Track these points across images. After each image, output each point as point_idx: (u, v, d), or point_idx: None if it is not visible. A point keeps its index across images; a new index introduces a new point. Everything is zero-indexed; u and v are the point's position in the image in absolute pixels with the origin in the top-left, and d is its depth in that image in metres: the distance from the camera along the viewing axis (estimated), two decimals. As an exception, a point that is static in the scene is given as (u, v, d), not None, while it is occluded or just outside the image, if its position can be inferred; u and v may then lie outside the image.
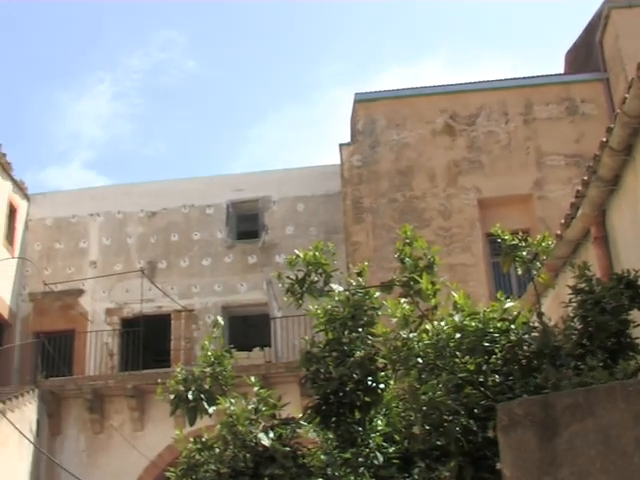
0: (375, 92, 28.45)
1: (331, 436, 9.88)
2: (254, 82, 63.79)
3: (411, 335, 9.23)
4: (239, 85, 64.32)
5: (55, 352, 27.34)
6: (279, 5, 59.68)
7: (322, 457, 9.62)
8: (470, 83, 27.96)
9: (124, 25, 62.45)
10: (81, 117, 65.16)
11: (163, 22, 63.53)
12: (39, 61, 61.34)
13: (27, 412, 24.07)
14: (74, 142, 65.41)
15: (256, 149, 66.19)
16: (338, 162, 28.35)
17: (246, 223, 30.68)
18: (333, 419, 9.78)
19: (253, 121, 66.79)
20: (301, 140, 67.28)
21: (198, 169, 68.38)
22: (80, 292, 30.23)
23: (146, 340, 28.14)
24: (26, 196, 32.13)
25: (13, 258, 30.24)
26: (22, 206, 31.72)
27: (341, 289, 10.11)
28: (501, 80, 28.02)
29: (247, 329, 27.81)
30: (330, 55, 65.91)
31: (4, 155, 30.14)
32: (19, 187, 31.50)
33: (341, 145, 27.94)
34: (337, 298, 10.04)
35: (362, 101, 28.02)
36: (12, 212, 30.77)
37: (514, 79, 27.97)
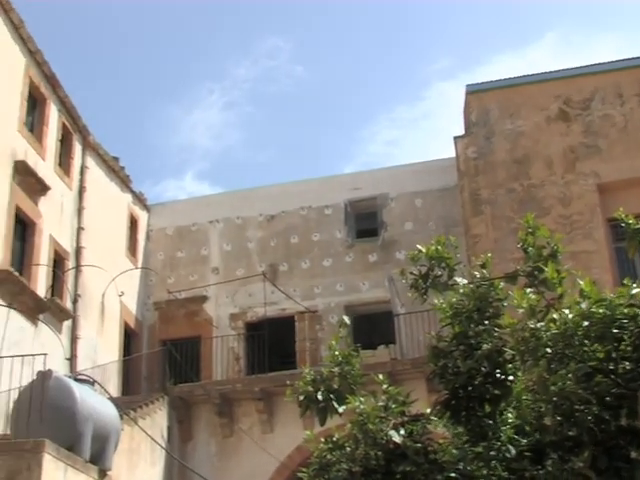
0: (487, 82, 28.12)
1: (461, 430, 9.81)
2: (361, 83, 63.86)
3: (538, 325, 9.10)
4: (347, 87, 64.45)
5: (182, 359, 27.71)
6: (382, 6, 59.59)
7: (453, 452, 9.55)
8: (582, 67, 27.39)
9: (230, 35, 63.18)
10: (193, 129, 66.12)
11: (268, 30, 64.09)
12: (152, 77, 62.46)
13: (158, 419, 24.44)
14: (187, 154, 66.43)
15: (368, 149, 66.26)
16: (453, 155, 28.14)
17: (365, 221, 30.67)
18: (463, 413, 9.72)
19: (363, 122, 66.87)
20: (412, 137, 67.11)
21: (310, 174, 68.57)
22: (204, 299, 30.63)
23: (271, 343, 28.33)
24: (146, 207, 32.70)
25: (137, 268, 30.80)
26: (142, 217, 32.30)
27: (465, 282, 10.02)
28: (614, 62, 27.36)
29: (370, 327, 27.76)
30: (436, 51, 65.61)
31: (123, 168, 30.72)
32: (139, 199, 32.08)
33: (455, 138, 27.71)
34: (462, 291, 9.96)
35: (474, 92, 27.74)
36: (133, 223, 31.35)
37: (628, 59, 27.26)
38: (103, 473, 15.27)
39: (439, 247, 10.03)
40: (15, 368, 17.49)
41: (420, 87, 66.03)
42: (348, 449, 9.86)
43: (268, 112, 64.85)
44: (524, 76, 27.90)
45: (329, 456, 9.93)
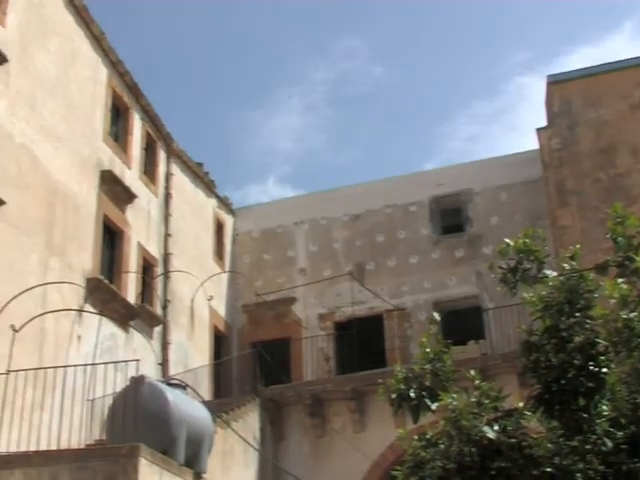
0: (568, 72, 27.81)
1: (556, 424, 9.70)
2: (439, 81, 63.52)
3: (631, 315, 8.97)
4: (425, 85, 64.18)
5: (272, 360, 27.83)
6: (458, 1, 59.13)
7: (548, 446, 9.45)
8: (664, 53, 26.99)
9: (307, 39, 63.38)
10: (275, 133, 66.45)
11: (345, 31, 64.10)
12: (232, 83, 62.92)
13: (250, 421, 24.58)
14: (269, 158, 66.79)
15: (449, 146, 65.93)
16: (536, 147, 27.87)
17: (450, 217, 30.52)
18: (557, 407, 9.60)
19: (442, 119, 66.54)
20: (492, 132, 66.59)
21: (392, 174, 68.18)
22: (292, 300, 30.76)
23: (360, 342, 28.35)
24: (231, 211, 32.95)
25: (224, 272, 31.03)
26: (228, 221, 32.55)
27: (555, 274, 9.90)
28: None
29: (459, 323, 27.57)
30: (514, 45, 64.96)
31: (207, 174, 30.99)
32: (224, 203, 32.33)
33: (538, 130, 27.44)
34: (551, 284, 9.85)
35: (555, 83, 27.45)
36: (219, 228, 31.60)
37: None
38: (198, 476, 15.39)
39: (527, 240, 9.94)
40: (108, 375, 17.74)
41: (498, 81, 65.48)
42: (442, 446, 9.81)
43: (348, 113, 64.92)
44: (605, 64, 27.53)
45: (423, 454, 9.89)
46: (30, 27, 20.66)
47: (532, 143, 27.65)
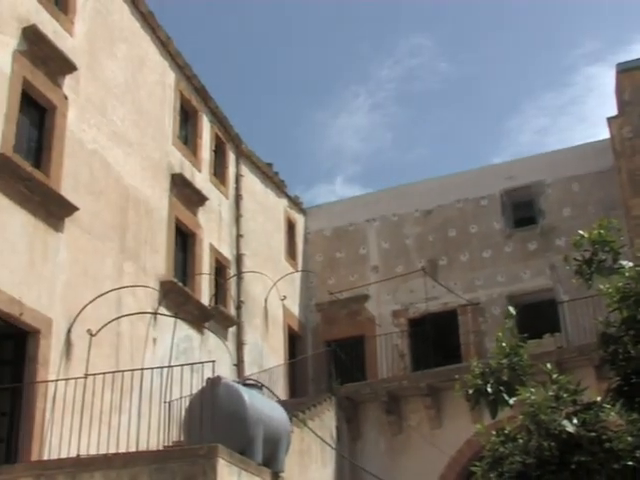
0: (638, 60, 27.39)
1: (636, 417, 9.54)
2: (506, 74, 62.96)
3: None
4: (491, 79, 63.71)
5: (347, 358, 27.84)
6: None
7: (629, 439, 9.31)
8: None
9: (371, 38, 63.24)
10: (342, 133, 66.49)
11: (409, 29, 63.89)
12: (298, 83, 63.07)
13: (326, 419, 24.61)
14: (337, 158, 66.83)
15: (518, 139, 65.38)
16: (607, 137, 27.53)
17: (522, 210, 30.25)
18: (637, 399, 9.45)
19: (510, 112, 66.00)
20: (561, 124, 65.88)
21: (461, 169, 67.83)
22: (365, 298, 30.74)
23: (434, 338, 28.25)
24: (302, 210, 33.02)
25: (297, 272, 31.11)
26: (299, 220, 32.63)
27: (631, 265, 9.76)
28: None
29: (534, 316, 27.31)
30: (581, 35, 64.18)
31: (277, 174, 31.08)
32: (294, 203, 32.42)
33: (609, 119, 27.10)
34: (628, 274, 9.70)
35: (625, 71, 27.09)
36: (290, 227, 31.69)
37: None
38: (276, 475, 15.44)
39: (602, 231, 9.80)
40: (185, 376, 17.87)
41: (567, 73, 64.77)
42: (520, 441, 9.72)
43: (415, 110, 64.79)
44: (677, 49, 27.11)
45: (501, 449, 9.80)
46: (98, 35, 20.89)
47: (603, 133, 27.25)
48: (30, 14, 18.27)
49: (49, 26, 18.80)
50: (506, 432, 9.92)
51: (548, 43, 62.58)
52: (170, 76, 24.30)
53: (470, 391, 10.22)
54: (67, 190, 18.52)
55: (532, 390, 9.78)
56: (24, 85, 17.85)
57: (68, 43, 19.43)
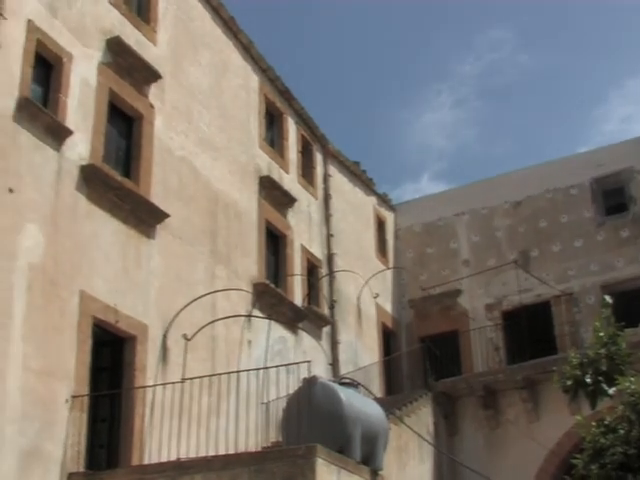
0: None
1: None
2: (588, 63, 62.10)
3: None
4: (574, 69, 62.80)
5: (441, 354, 27.74)
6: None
7: None
8: None
9: (451, 34, 62.93)
10: (426, 130, 66.29)
11: (488, 23, 63.42)
12: (380, 82, 63.02)
13: (423, 416, 24.54)
14: (422, 156, 66.66)
15: (603, 128, 64.45)
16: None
17: (612, 198, 29.78)
18: None
19: (595, 101, 65.01)
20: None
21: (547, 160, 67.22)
22: (458, 292, 30.58)
23: (529, 330, 27.99)
24: (391, 207, 32.97)
25: (388, 269, 31.08)
26: (389, 218, 32.58)
27: None
28: None
29: (630, 305, 26.88)
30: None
31: (364, 172, 31.07)
32: (383, 200, 32.38)
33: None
34: None
35: None
36: (380, 225, 31.67)
37: None
38: (375, 473, 15.43)
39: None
40: (280, 377, 17.96)
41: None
42: (621, 432, 9.59)
43: (498, 104, 64.27)
44: None
45: (602, 440, 9.68)
46: (180, 42, 21.11)
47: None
48: (113, 26, 18.54)
49: (132, 37, 19.06)
50: (606, 423, 9.80)
51: (631, 29, 61.56)
52: (254, 80, 24.44)
53: (568, 382, 10.10)
54: (157, 197, 18.75)
55: (632, 379, 9.65)
56: (110, 96, 18.13)
57: (152, 52, 19.67)
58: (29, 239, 15.16)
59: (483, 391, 26.20)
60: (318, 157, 27.91)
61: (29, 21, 16.14)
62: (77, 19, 17.53)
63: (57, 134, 16.24)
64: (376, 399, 18.96)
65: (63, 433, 14.99)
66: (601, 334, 10.29)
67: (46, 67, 16.73)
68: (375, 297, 29.15)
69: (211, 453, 16.20)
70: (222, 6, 23.01)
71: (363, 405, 15.72)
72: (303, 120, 27.00)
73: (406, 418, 22.25)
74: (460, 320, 30.15)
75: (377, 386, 27.06)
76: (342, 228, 28.11)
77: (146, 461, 16.24)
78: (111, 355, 17.21)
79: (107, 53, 18.18)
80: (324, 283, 26.29)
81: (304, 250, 25.37)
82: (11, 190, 14.96)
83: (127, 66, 18.66)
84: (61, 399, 15.08)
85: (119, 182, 17.51)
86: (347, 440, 14.79)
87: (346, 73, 61.25)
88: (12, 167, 15.10)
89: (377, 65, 62.84)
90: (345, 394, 15.23)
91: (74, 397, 15.29)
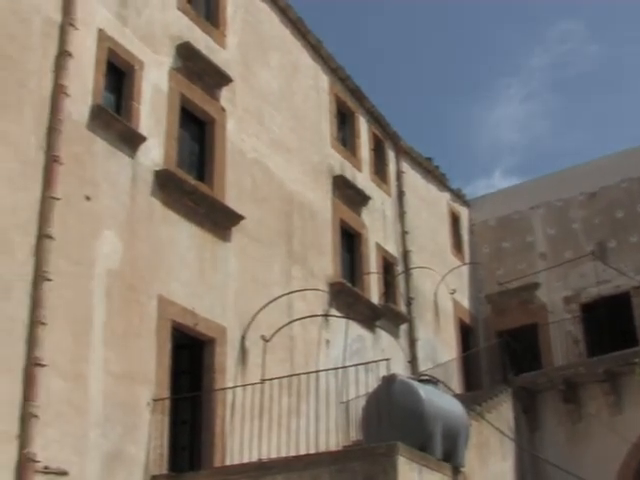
0: None
1: None
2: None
3: None
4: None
5: (520, 348, 27.52)
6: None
7: None
8: None
9: (519, 28, 62.52)
10: (497, 125, 65.89)
11: (556, 14, 62.78)
12: (449, 78, 62.84)
13: (503, 411, 24.34)
14: (494, 151, 66.26)
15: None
16: None
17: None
18: None
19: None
20: None
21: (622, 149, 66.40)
22: (535, 286, 30.34)
23: (608, 322, 27.67)
24: (465, 203, 32.83)
25: (464, 265, 30.94)
26: (463, 213, 32.45)
27: None
28: None
29: None
30: None
31: (437, 168, 30.97)
32: (457, 195, 32.25)
33: None
34: None
35: None
36: (454, 220, 31.57)
37: None
38: (457, 470, 15.36)
39: None
40: (359, 376, 17.97)
41: None
42: None
43: (569, 96, 63.67)
44: None
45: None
46: (249, 45, 21.22)
47: None
48: (182, 31, 18.72)
49: (202, 41, 19.22)
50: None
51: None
52: (324, 80, 24.49)
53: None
54: (231, 200, 18.89)
55: None
56: (182, 101, 18.30)
57: (221, 56, 19.81)
58: (107, 246, 15.38)
59: (564, 385, 25.92)
60: (390, 154, 27.89)
61: (100, 30, 16.38)
62: (146, 26, 17.74)
63: (131, 141, 16.45)
64: (455, 395, 18.88)
65: (145, 436, 15.17)
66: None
67: (118, 75, 16.96)
68: (452, 293, 29.06)
69: (292, 453, 16.27)
70: (290, 7, 23.09)
71: (443, 402, 15.66)
72: (374, 118, 26.99)
73: (487, 414, 22.11)
74: (538, 313, 29.93)
75: (456, 382, 26.96)
76: (416, 225, 28.04)
77: (228, 462, 16.36)
78: (190, 358, 17.36)
79: (177, 59, 18.36)
80: (400, 280, 26.26)
81: (379, 248, 25.36)
82: (88, 198, 15.19)
83: (198, 71, 18.82)
84: (142, 402, 15.27)
85: (193, 186, 17.67)
86: (428, 437, 14.75)
87: (416, 70, 61.20)
88: (88, 175, 15.33)
89: (447, 61, 62.71)
90: (425, 391, 15.19)
91: (155, 400, 15.46)
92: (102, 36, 16.40)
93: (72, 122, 15.20)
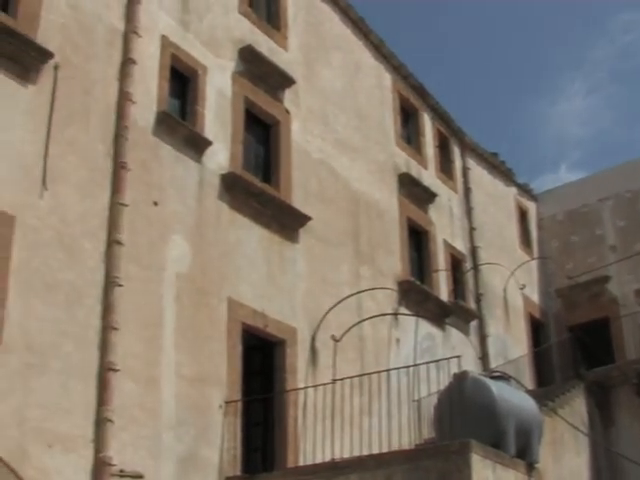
0: None
1: None
2: None
3: None
4: None
5: (592, 342, 27.24)
6: None
7: None
8: None
9: (582, 20, 61.94)
10: (562, 119, 65.40)
11: (620, 5, 62.06)
12: (512, 73, 62.47)
13: (576, 407, 24.05)
14: (560, 145, 65.72)
15: None
16: None
17: None
18: None
19: None
20: None
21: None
22: (606, 279, 30.01)
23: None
24: (532, 197, 32.57)
25: (533, 259, 30.70)
26: (531, 207, 32.20)
27: None
28: None
29: None
30: None
31: (503, 163, 30.76)
32: (524, 190, 32.01)
33: None
34: None
35: None
36: (522, 215, 31.33)
37: None
38: (531, 467, 15.23)
39: None
40: (430, 374, 17.91)
41: None
42: None
43: (634, 87, 62.94)
44: None
45: None
46: (311, 46, 21.27)
47: None
48: (244, 35, 18.82)
49: (264, 44, 19.30)
50: None
51: None
52: (386, 78, 24.45)
53: None
54: (298, 201, 18.95)
55: None
56: (246, 104, 18.40)
57: (284, 58, 19.88)
58: (176, 250, 15.52)
59: (637, 379, 25.55)
60: (456, 151, 27.76)
61: (163, 37, 16.54)
62: (208, 31, 17.86)
63: (196, 145, 16.58)
64: (527, 391, 18.73)
65: (218, 438, 15.28)
66: None
67: (182, 80, 17.10)
68: (521, 288, 28.84)
69: (364, 453, 16.25)
70: (350, 7, 23.10)
71: (515, 398, 15.55)
72: (438, 115, 26.88)
73: (560, 410, 21.89)
74: (609, 307, 29.60)
75: (527, 378, 26.75)
76: (484, 221, 27.88)
77: (301, 463, 16.41)
78: (261, 359, 17.44)
79: (240, 62, 18.47)
80: (469, 277, 26.14)
81: (447, 245, 25.27)
82: (156, 203, 15.34)
83: (261, 73, 18.90)
84: (215, 405, 15.38)
85: (260, 188, 17.76)
86: (501, 434, 14.65)
87: (479, 65, 60.86)
88: (155, 181, 15.48)
89: (510, 55, 62.28)
90: (497, 388, 15.09)
91: (227, 402, 15.57)
92: (165, 42, 16.56)
93: (138, 128, 15.37)
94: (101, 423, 13.14)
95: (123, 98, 15.22)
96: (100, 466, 12.92)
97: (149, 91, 15.90)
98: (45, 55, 13.98)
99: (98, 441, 13.04)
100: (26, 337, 12.59)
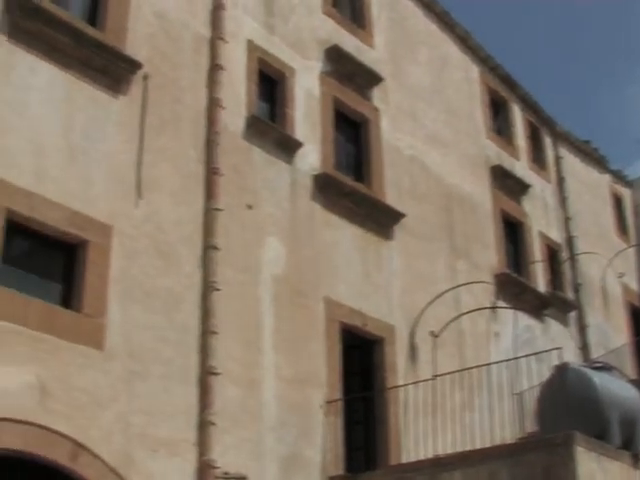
0: None
1: None
2: None
3: None
4: None
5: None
6: None
7: None
8: None
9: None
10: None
11: None
12: (604, 58, 61.56)
13: None
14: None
15: None
16: None
17: None
18: None
19: None
20: None
21: None
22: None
23: None
24: (628, 184, 32.03)
25: (631, 247, 30.20)
26: (626, 194, 31.67)
27: None
28: None
29: None
30: None
31: (596, 150, 30.32)
32: (618, 177, 31.50)
33: None
34: None
35: None
36: (617, 202, 30.83)
37: None
38: (637, 458, 15.00)
39: None
40: (531, 366, 17.76)
41: None
42: None
43: None
44: None
45: None
46: (397, 43, 21.23)
47: None
48: (330, 35, 18.86)
49: (350, 43, 19.33)
50: None
51: None
52: (474, 70, 24.28)
53: None
54: (391, 198, 18.95)
55: None
56: (335, 104, 18.44)
57: (371, 56, 19.89)
58: (271, 252, 15.63)
59: None
60: (547, 140, 27.43)
61: (249, 41, 16.67)
62: (294, 33, 17.96)
63: (287, 147, 16.68)
64: (631, 381, 18.46)
65: (320, 438, 15.35)
66: None
67: (270, 83, 17.22)
68: (620, 277, 28.39)
69: (467, 448, 16.18)
70: (434, 1, 23.01)
71: (618, 388, 15.33)
72: (528, 105, 26.59)
73: None
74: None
75: (630, 368, 26.32)
76: (579, 209, 27.52)
77: (404, 460, 16.39)
78: (360, 358, 17.46)
79: (327, 62, 18.53)
80: (566, 267, 25.82)
81: (542, 236, 25.00)
82: (250, 206, 15.47)
83: (348, 73, 18.94)
84: (315, 405, 15.44)
85: (352, 187, 17.79)
86: (605, 425, 14.46)
87: (567, 52, 60.09)
88: (248, 184, 15.62)
89: (601, 40, 61.32)
90: (599, 378, 14.89)
91: (328, 402, 15.62)
92: (251, 46, 16.69)
93: (229, 133, 15.52)
94: (204, 426, 13.31)
95: (213, 104, 15.40)
96: (204, 469, 13.10)
97: (238, 96, 16.05)
98: (134, 66, 14.22)
99: (201, 444, 13.22)
100: (127, 344, 12.81)
